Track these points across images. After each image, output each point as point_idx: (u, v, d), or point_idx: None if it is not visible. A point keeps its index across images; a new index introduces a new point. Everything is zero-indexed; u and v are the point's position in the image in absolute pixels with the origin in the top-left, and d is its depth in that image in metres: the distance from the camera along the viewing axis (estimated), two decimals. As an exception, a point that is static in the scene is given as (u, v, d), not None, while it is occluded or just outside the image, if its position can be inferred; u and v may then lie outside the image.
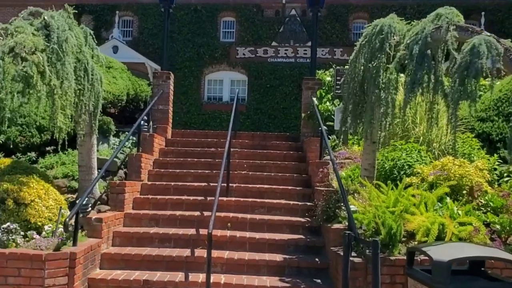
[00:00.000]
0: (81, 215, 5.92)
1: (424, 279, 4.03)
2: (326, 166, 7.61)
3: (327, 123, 9.44)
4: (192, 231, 6.43)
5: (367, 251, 4.92)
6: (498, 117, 8.26)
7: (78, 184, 7.06)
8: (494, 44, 4.41)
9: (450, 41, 4.55)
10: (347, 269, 4.47)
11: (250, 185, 7.75)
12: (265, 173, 8.16)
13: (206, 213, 6.80)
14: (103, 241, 5.94)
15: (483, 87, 8.59)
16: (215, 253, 5.86)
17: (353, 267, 4.73)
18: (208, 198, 7.17)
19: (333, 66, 10.81)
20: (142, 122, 8.50)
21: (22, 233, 5.16)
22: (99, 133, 8.08)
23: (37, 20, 5.63)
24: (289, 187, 7.73)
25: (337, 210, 6.31)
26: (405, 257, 4.63)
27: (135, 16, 21.73)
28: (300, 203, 7.22)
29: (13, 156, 7.86)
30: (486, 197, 6.05)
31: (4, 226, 5.02)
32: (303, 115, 9.62)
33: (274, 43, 20.96)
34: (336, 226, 5.82)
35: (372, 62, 5.45)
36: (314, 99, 9.36)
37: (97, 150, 8.20)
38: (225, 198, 7.23)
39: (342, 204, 6.31)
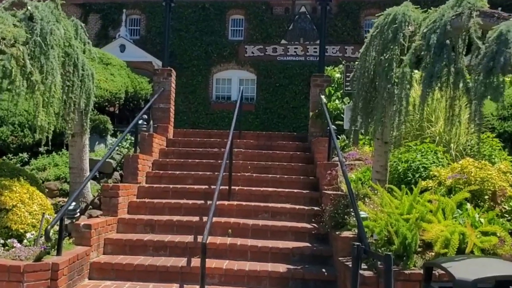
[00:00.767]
0: (69, 221, 5.50)
1: (445, 299, 3.52)
2: (335, 168, 7.11)
3: (336, 122, 8.93)
4: (189, 238, 5.98)
5: (379, 263, 4.42)
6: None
7: (69, 187, 6.65)
8: (525, 31, 3.88)
9: (473, 28, 4.02)
10: (356, 285, 3.99)
11: (253, 188, 7.27)
12: (270, 175, 7.68)
13: (205, 219, 6.26)
14: (93, 249, 5.51)
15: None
16: (213, 263, 5.41)
17: (363, 282, 4.24)
18: (209, 202, 6.71)
19: (343, 62, 10.29)
20: (141, 121, 8.07)
21: (1, 241, 4.75)
22: (95, 133, 7.69)
23: (20, 11, 5.21)
24: (295, 190, 7.24)
25: (346, 216, 5.81)
26: (421, 271, 4.12)
27: (142, 15, 21.41)
28: (306, 208, 6.73)
29: (4, 157, 7.48)
30: (511, 203, 5.51)
31: (-19, 233, 4.61)
32: (311, 113, 9.12)
33: (283, 41, 20.48)
34: (345, 234, 5.32)
35: (384, 55, 4.93)
36: (323, 97, 8.85)
37: (93, 151, 7.81)
38: (226, 202, 6.77)
39: (351, 209, 5.81)
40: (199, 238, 5.82)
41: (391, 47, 4.85)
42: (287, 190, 7.23)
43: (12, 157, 7.67)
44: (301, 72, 19.94)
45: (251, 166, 7.97)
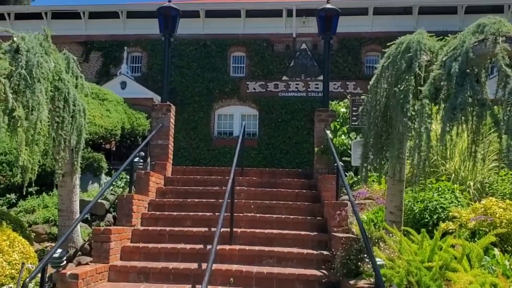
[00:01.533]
0: (54, 270, 4.98)
1: None
2: (344, 207, 6.62)
3: (343, 159, 8.49)
4: (187, 288, 5.43)
5: (401, 320, 3.89)
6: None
7: (58, 231, 6.15)
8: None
9: (500, 55, 3.64)
10: None
11: (257, 230, 6.76)
12: (274, 216, 7.17)
13: (204, 266, 5.74)
14: (80, 301, 4.97)
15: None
16: (212, 318, 4.85)
17: None
18: (208, 247, 6.18)
19: (348, 97, 9.95)
20: (137, 158, 7.64)
21: (-25, 296, 4.23)
22: (89, 172, 7.24)
23: (6, 43, 4.87)
24: (302, 233, 6.72)
25: (359, 263, 5.27)
26: (451, 330, 3.59)
27: (144, 52, 21.40)
28: (315, 252, 6.19)
29: (-10, 199, 7.05)
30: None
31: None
32: (316, 149, 8.68)
33: (284, 78, 20.40)
34: (360, 283, 4.79)
35: (399, 86, 4.54)
36: (328, 132, 8.44)
37: (87, 191, 7.34)
38: (227, 247, 6.24)
39: (365, 255, 5.28)
40: (198, 288, 5.30)
41: (406, 77, 4.46)
42: (293, 232, 6.72)
43: (-1, 198, 7.23)
44: (303, 107, 19.77)
45: (254, 206, 7.47)
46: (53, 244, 6.28)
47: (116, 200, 6.91)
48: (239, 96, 20.40)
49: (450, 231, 5.33)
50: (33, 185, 4.81)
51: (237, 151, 7.48)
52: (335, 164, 7.87)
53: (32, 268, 4.70)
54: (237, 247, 6.31)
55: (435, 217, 5.72)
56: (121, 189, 7.71)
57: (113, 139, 9.72)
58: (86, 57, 21.45)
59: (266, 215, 7.18)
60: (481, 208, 5.35)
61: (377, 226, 6.25)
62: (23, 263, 4.59)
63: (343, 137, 8.79)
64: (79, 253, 6.01)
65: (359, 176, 8.35)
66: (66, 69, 5.63)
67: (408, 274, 4.37)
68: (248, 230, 6.75)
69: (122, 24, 21.35)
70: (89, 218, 6.80)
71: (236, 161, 7.18)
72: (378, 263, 4.56)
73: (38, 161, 4.78)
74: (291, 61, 20.57)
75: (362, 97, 9.35)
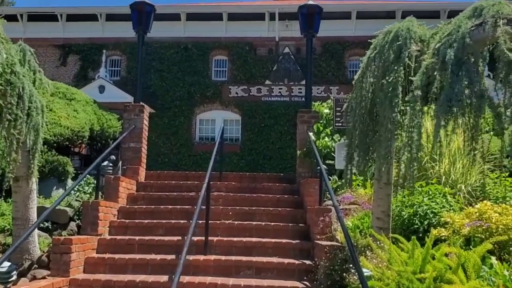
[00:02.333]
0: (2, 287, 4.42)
1: None
2: (328, 213, 6.17)
3: (327, 162, 8.05)
4: (155, 303, 4.90)
5: None
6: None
7: (12, 242, 5.56)
8: None
9: (502, 39, 3.22)
10: None
11: (235, 239, 6.26)
12: (254, 223, 6.68)
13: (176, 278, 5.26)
14: (31, 321, 4.41)
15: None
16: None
17: None
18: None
19: (331, 97, 9.54)
20: (106, 162, 7.11)
21: None
22: (53, 177, 6.67)
23: None
24: (283, 241, 6.24)
25: (344, 274, 4.81)
26: None
27: (123, 55, 20.84)
28: (296, 262, 5.71)
29: None
30: (543, 255, 4.59)
31: None
32: (298, 152, 8.23)
33: (267, 82, 20.01)
34: (345, 298, 4.31)
35: (387, 78, 4.11)
36: (311, 134, 8.00)
37: (51, 197, 6.76)
38: (202, 257, 5.73)
39: (351, 266, 4.83)
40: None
41: (395, 68, 4.03)
42: (273, 240, 6.23)
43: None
44: (286, 112, 19.38)
45: (232, 212, 6.98)
46: (8, 256, 5.69)
47: (81, 207, 6.35)
48: (221, 100, 19.95)
49: (443, 238, 4.91)
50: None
51: (213, 153, 6.99)
52: (318, 168, 7.44)
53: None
54: (213, 257, 5.80)
55: (425, 223, 5.30)
56: (88, 195, 7.15)
57: (80, 141, 9.12)
58: (64, 60, 20.82)
59: (245, 222, 6.68)
60: (476, 212, 4.94)
61: (363, 233, 5.81)
62: (-39, 280, 4.03)
63: (326, 139, 8.36)
64: (35, 266, 5.42)
65: (343, 180, 7.91)
66: (21, 62, 5.09)
67: (398, 286, 3.92)
68: (225, 239, 6.25)
69: (101, 27, 20.76)
70: (50, 227, 6.23)
71: (214, 165, 6.69)
72: (365, 274, 4.10)
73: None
74: (274, 65, 20.21)
75: (346, 96, 8.93)
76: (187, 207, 7.14)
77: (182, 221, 6.68)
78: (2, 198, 6.52)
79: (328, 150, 8.14)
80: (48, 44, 20.37)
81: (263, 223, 6.68)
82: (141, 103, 8.34)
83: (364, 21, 19.65)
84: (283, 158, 18.69)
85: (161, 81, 19.98)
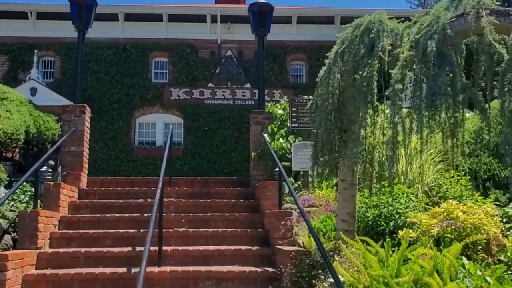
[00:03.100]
0: None
1: None
2: (289, 217, 5.92)
3: (282, 164, 7.79)
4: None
5: None
6: (482, 151, 7.01)
7: None
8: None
9: (487, 29, 3.10)
10: None
11: (191, 248, 5.85)
12: (210, 229, 6.30)
13: (129, 294, 4.80)
14: None
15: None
16: None
17: None
18: (133, 270, 5.19)
19: (284, 98, 9.35)
20: (44, 167, 6.46)
21: None
22: (-17, 184, 5.90)
23: None
24: (243, 247, 5.91)
25: (313, 281, 4.57)
26: None
27: (57, 56, 19.59)
28: (258, 270, 5.39)
29: None
30: (508, 253, 4.57)
31: None
32: (252, 154, 7.95)
33: (210, 85, 19.58)
34: (318, 307, 4.05)
35: (360, 73, 3.90)
36: (266, 135, 7.75)
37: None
38: (156, 269, 5.27)
39: (319, 272, 4.59)
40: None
41: (369, 62, 3.83)
42: (232, 247, 5.88)
43: None
44: (230, 115, 19.08)
45: (186, 219, 6.55)
46: None
47: (17, 218, 5.67)
48: (162, 103, 19.25)
49: (411, 239, 4.79)
50: None
51: (165, 156, 6.53)
52: (275, 170, 7.21)
53: None
54: (168, 268, 5.35)
55: (391, 224, 5.16)
56: (24, 204, 6.44)
57: (14, 145, 8.27)
58: (-8, 60, 19.29)
59: (201, 230, 6.28)
60: (443, 212, 4.87)
61: (326, 236, 5.61)
62: None
63: (281, 140, 8.14)
64: (-36, 287, 4.74)
65: (299, 182, 7.75)
66: None
67: (376, 292, 3.72)
68: (180, 248, 5.82)
69: (31, 26, 19.41)
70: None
71: (165, 169, 6.23)
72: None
73: None
74: (217, 67, 19.84)
75: (305, 96, 8.79)
76: (135, 215, 6.63)
77: (131, 231, 6.17)
78: None
79: (284, 151, 7.91)
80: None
81: (220, 230, 6.31)
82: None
83: (304, 26, 19.83)
84: (228, 162, 18.37)
85: (98, 83, 19.00)
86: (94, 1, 8.14)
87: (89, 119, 7.97)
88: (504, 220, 5.79)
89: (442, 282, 3.84)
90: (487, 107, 3.22)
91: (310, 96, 10.07)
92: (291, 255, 4.92)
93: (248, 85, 19.67)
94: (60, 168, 7.33)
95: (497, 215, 5.06)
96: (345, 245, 4.68)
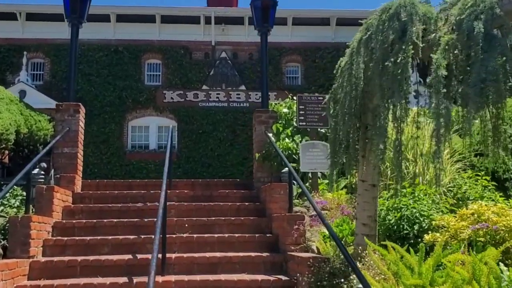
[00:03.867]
0: None
1: None
2: (302, 221, 5.52)
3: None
4: None
5: None
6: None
7: None
8: None
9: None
10: None
11: (196, 255, 5.42)
12: (215, 235, 5.88)
13: (131, 306, 4.36)
14: None
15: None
16: None
17: None
18: (135, 280, 4.76)
19: (289, 95, 8.98)
20: (36, 170, 6.01)
21: None
22: (-31, 188, 5.42)
23: None
24: (252, 254, 5.49)
25: (336, 290, 4.17)
26: None
27: (46, 58, 19.04)
28: (271, 279, 4.98)
29: None
30: (546, 258, 4.22)
31: None
32: (256, 155, 7.55)
33: (205, 87, 19.16)
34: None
35: (392, 59, 3.53)
36: (270, 135, 7.36)
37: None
38: (160, 278, 4.83)
39: (342, 280, 4.20)
40: None
41: (403, 47, 3.46)
42: (241, 254, 5.47)
43: None
44: (225, 118, 18.68)
45: (188, 224, 6.12)
46: None
47: (7, 224, 5.21)
48: (155, 106, 18.79)
49: (438, 243, 4.41)
50: None
51: (167, 157, 6.11)
52: (282, 172, 6.84)
53: None
54: (173, 278, 4.92)
55: (415, 227, 4.79)
56: (15, 210, 5.97)
57: (4, 145, 7.76)
58: (-22, 62, 18.71)
59: (205, 235, 5.86)
60: (472, 214, 4.50)
61: (343, 242, 5.22)
62: None
63: (287, 140, 7.74)
64: (-52, 301, 4.28)
65: (307, 184, 7.35)
66: None
67: (413, 303, 3.34)
68: (184, 255, 5.39)
69: (20, 27, 18.87)
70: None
71: (166, 171, 5.81)
72: (370, 290, 3.49)
73: None
74: (211, 69, 19.44)
75: (310, 94, 8.42)
76: (135, 220, 6.20)
77: (131, 237, 5.73)
78: None
79: (290, 152, 7.52)
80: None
81: (226, 235, 5.89)
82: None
83: (300, 27, 19.57)
84: (223, 165, 17.96)
85: (90, 86, 18.49)
86: (89, -6, 7.72)
87: (84, 119, 7.52)
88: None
89: (484, 292, 3.48)
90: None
91: (316, 94, 9.79)
92: (308, 263, 4.52)
93: (243, 87, 19.31)
94: (53, 170, 6.87)
95: (529, 217, 4.70)
96: (365, 252, 4.33)
